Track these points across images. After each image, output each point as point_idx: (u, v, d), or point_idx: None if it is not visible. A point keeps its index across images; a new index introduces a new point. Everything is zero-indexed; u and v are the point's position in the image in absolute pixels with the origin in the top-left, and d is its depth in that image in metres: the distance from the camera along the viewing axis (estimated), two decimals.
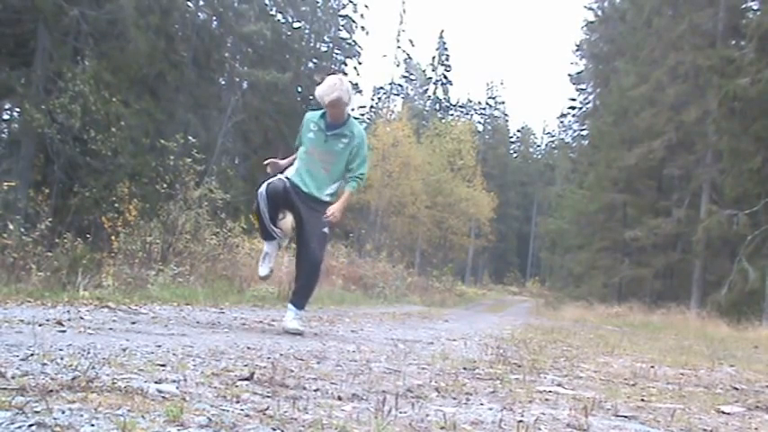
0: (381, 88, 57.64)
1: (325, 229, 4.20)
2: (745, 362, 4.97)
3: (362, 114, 57.90)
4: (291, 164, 4.37)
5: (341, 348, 3.43)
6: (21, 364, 1.92)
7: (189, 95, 23.57)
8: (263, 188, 4.20)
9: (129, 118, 15.90)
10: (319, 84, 4.19)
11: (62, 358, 2.08)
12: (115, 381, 1.72)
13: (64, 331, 2.99)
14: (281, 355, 2.87)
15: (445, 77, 58.12)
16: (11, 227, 7.24)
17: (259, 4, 31.83)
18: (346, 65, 45.51)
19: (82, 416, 1.32)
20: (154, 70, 19.21)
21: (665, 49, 22.47)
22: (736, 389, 2.99)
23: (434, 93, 58.90)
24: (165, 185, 9.47)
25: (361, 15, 44.69)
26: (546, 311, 22.18)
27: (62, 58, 15.89)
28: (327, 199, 4.24)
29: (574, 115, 54.60)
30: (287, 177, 4.24)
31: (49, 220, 7.93)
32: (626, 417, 1.97)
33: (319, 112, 4.25)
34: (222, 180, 13.43)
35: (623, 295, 23.82)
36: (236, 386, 1.89)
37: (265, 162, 4.38)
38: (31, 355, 2.09)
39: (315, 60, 42.15)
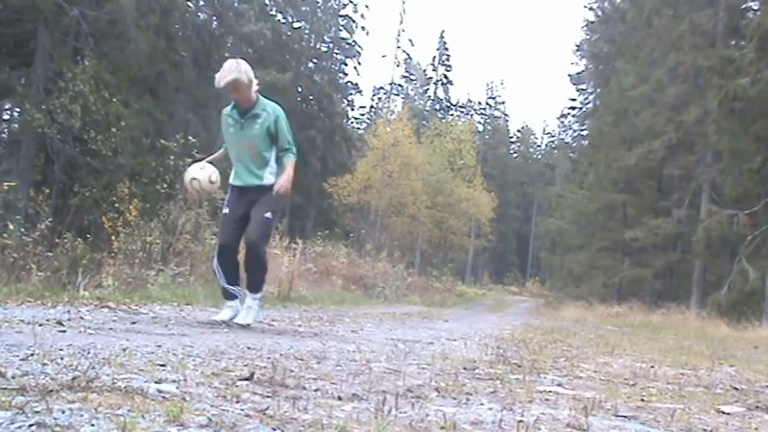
0: (381, 88, 57.70)
1: (268, 214, 4.19)
2: (745, 362, 4.97)
3: (362, 114, 57.99)
4: (217, 158, 4.48)
5: (341, 348, 3.43)
6: (21, 364, 1.92)
7: (189, 95, 23.55)
8: (214, 261, 4.37)
9: (129, 118, 15.88)
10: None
11: (62, 358, 2.08)
12: (115, 381, 1.72)
13: (64, 331, 2.99)
14: (281, 355, 2.87)
15: (446, 77, 58.12)
16: (11, 227, 7.23)
17: (259, 4, 31.83)
18: (346, 65, 45.54)
19: (82, 416, 1.32)
20: (154, 70, 19.19)
21: (665, 49, 22.47)
22: (736, 389, 2.99)
23: (435, 93, 58.90)
24: (165, 185, 9.47)
25: (362, 15, 44.59)
26: (546, 311, 22.17)
27: (62, 58, 15.87)
28: (269, 182, 4.24)
29: (574, 115, 54.64)
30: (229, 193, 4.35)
31: (49, 220, 7.92)
32: (626, 417, 1.97)
33: (230, 106, 4.29)
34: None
35: (623, 295, 23.81)
36: (236, 386, 1.89)
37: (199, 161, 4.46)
38: (32, 355, 2.09)
39: (315, 60, 42.14)
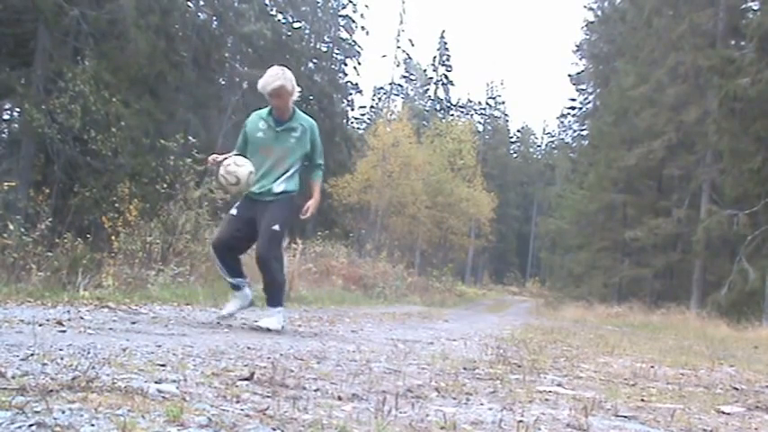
0: (381, 88, 57.74)
1: (275, 227, 4.15)
2: (745, 362, 4.97)
3: (362, 114, 58.00)
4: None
5: (341, 348, 3.43)
6: (21, 364, 1.92)
7: (189, 95, 23.56)
8: (210, 248, 4.36)
9: (129, 118, 15.88)
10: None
11: (62, 358, 2.08)
12: (115, 381, 1.72)
13: (64, 331, 2.99)
14: (281, 355, 2.87)
15: (446, 77, 58.11)
16: (11, 227, 7.23)
17: (259, 4, 31.82)
18: (346, 65, 45.55)
19: (82, 416, 1.32)
20: (154, 70, 19.19)
21: (665, 49, 22.47)
22: (736, 389, 2.99)
23: (435, 93, 58.90)
24: (165, 185, 9.46)
25: (361, 15, 44.78)
26: (546, 311, 22.17)
27: (62, 58, 15.88)
28: (281, 189, 4.21)
29: (574, 115, 54.67)
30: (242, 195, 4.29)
31: (49, 220, 7.91)
32: (626, 417, 1.97)
33: (265, 110, 4.25)
34: None
35: (623, 295, 23.83)
36: (236, 386, 1.89)
37: (209, 158, 4.39)
38: (32, 355, 2.09)
39: (315, 60, 42.13)
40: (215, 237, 4.36)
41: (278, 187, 4.21)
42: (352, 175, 34.17)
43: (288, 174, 4.24)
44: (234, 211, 4.31)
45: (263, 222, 4.14)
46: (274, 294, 4.32)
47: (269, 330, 4.11)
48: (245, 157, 4.21)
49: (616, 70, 29.99)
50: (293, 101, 4.22)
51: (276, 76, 4.06)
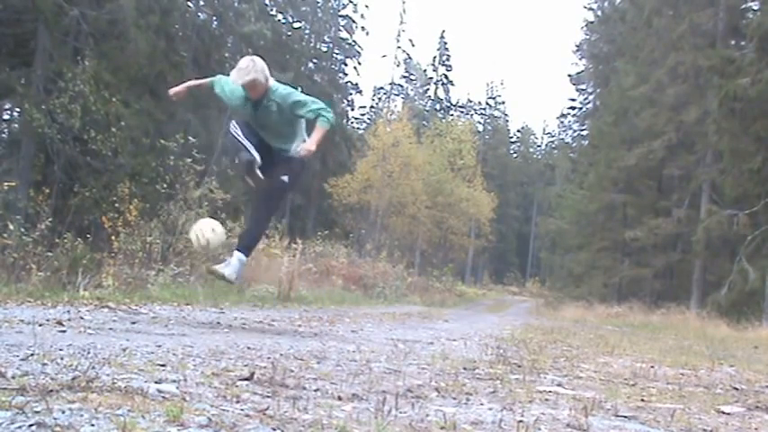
0: (381, 88, 57.72)
1: (284, 177, 4.13)
2: (745, 362, 4.97)
3: (362, 114, 57.99)
4: (196, 86, 4.49)
5: (341, 348, 3.43)
6: (21, 364, 1.92)
7: (189, 95, 23.53)
8: (234, 122, 4.19)
9: (129, 118, 15.88)
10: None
11: (62, 358, 2.08)
12: (115, 381, 1.72)
13: (64, 331, 2.99)
14: (281, 355, 2.86)
15: (446, 77, 58.12)
16: (11, 227, 7.23)
17: (259, 4, 31.81)
18: (346, 65, 45.55)
19: (82, 416, 1.32)
20: (154, 70, 19.19)
21: (665, 49, 22.47)
22: (736, 389, 2.99)
23: (435, 93, 58.90)
24: (165, 185, 9.47)
25: (362, 15, 44.66)
26: (546, 311, 22.17)
27: (62, 58, 15.87)
28: (294, 151, 4.18)
29: (574, 115, 54.66)
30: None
31: (49, 220, 7.91)
32: (626, 417, 1.97)
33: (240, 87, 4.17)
34: (222, 180, 13.42)
35: (623, 295, 23.82)
36: (236, 386, 1.89)
37: (172, 91, 4.32)
38: (31, 355, 2.09)
39: (315, 60, 42.15)
40: (236, 119, 4.23)
41: (293, 146, 4.21)
42: (352, 175, 34.17)
43: (299, 137, 4.23)
44: (245, 140, 4.13)
45: (277, 168, 4.12)
46: (248, 242, 4.28)
47: (225, 279, 4.14)
48: (219, 91, 4.25)
49: (616, 70, 29.98)
50: (269, 85, 4.16)
51: (248, 70, 4.03)
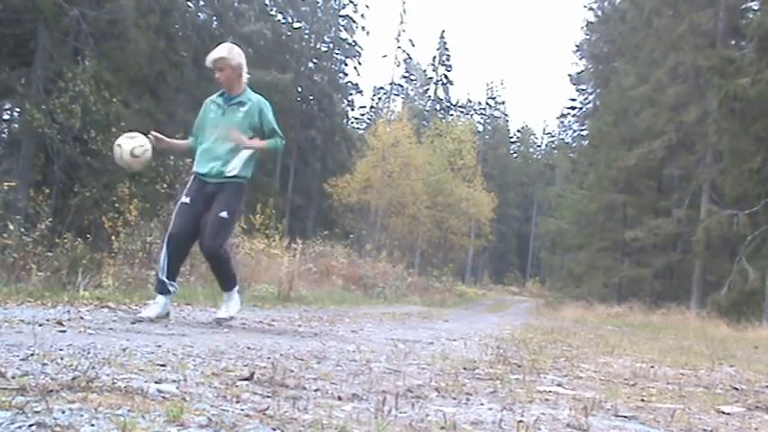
0: (381, 88, 57.73)
1: (223, 214, 4.06)
2: (745, 362, 4.97)
3: (362, 114, 58.01)
4: (177, 145, 4.53)
5: (341, 348, 3.43)
6: (21, 364, 1.92)
7: (189, 95, 23.56)
8: (164, 242, 4.23)
9: (129, 118, 15.87)
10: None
11: (62, 358, 2.08)
12: (115, 381, 1.72)
13: (64, 331, 2.99)
14: (281, 355, 2.86)
15: (446, 77, 58.12)
16: (11, 227, 7.23)
17: (259, 4, 31.84)
18: (346, 65, 45.59)
19: (82, 416, 1.32)
20: (154, 70, 19.22)
21: (665, 49, 22.46)
22: (736, 389, 2.99)
23: (435, 93, 58.90)
24: (165, 185, 9.47)
25: (362, 15, 44.68)
26: (546, 311, 22.17)
27: (62, 58, 15.88)
28: (233, 173, 4.15)
29: (574, 115, 54.65)
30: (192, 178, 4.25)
31: (49, 220, 7.92)
32: (626, 417, 1.97)
33: (217, 93, 4.30)
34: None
35: (623, 295, 23.82)
36: (236, 386, 1.89)
37: (151, 134, 4.28)
38: (32, 355, 2.09)
39: (315, 60, 42.16)
40: (169, 233, 4.18)
41: (230, 171, 4.14)
42: (351, 175, 34.19)
43: (241, 157, 4.17)
44: (186, 200, 4.16)
45: (212, 208, 4.08)
46: (226, 278, 4.28)
47: (231, 319, 4.20)
48: (197, 138, 4.30)
49: (616, 70, 30.01)
50: (243, 81, 4.23)
51: (221, 49, 4.14)
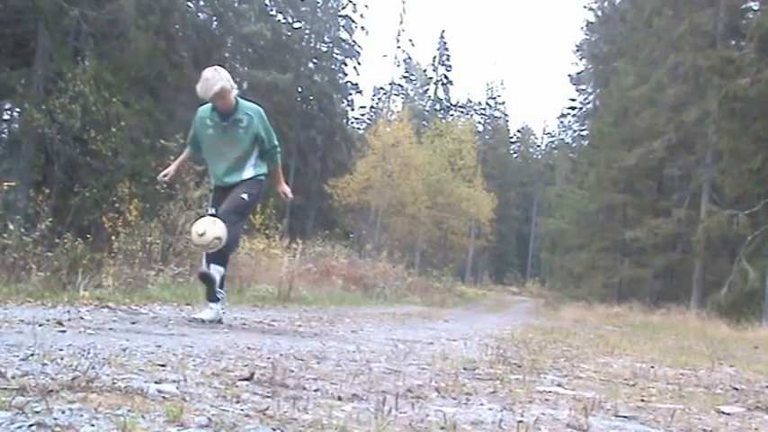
0: (381, 88, 57.74)
1: (244, 195, 4.24)
2: (745, 362, 4.97)
3: (362, 114, 58.00)
4: (181, 164, 4.69)
5: (341, 348, 3.43)
6: (21, 364, 1.92)
7: (189, 95, 23.49)
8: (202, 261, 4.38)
9: (129, 118, 15.89)
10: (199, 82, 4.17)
11: (62, 358, 2.08)
12: (115, 381, 1.72)
13: (64, 331, 2.99)
14: (281, 355, 2.86)
15: (446, 77, 58.12)
16: (11, 227, 7.22)
17: (259, 4, 31.84)
18: (346, 65, 45.57)
19: (82, 416, 1.32)
20: (154, 70, 19.20)
21: (665, 49, 22.46)
22: (736, 389, 2.99)
23: (435, 93, 58.90)
24: (165, 185, 9.45)
25: (361, 15, 44.74)
26: (546, 311, 22.17)
27: (62, 58, 15.89)
28: (251, 174, 4.33)
29: (574, 115, 54.63)
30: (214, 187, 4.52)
31: (49, 220, 7.91)
32: (626, 417, 1.97)
33: (209, 107, 4.27)
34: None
35: (623, 295, 23.82)
36: (236, 386, 1.89)
37: (160, 178, 4.59)
38: (31, 355, 2.09)
39: (315, 60, 42.15)
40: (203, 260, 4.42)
41: (247, 173, 4.32)
42: (352, 176, 34.17)
43: (252, 161, 4.34)
44: (211, 210, 4.35)
45: (233, 193, 4.26)
46: (223, 252, 4.29)
47: (202, 322, 4.17)
48: (199, 150, 4.46)
49: (616, 70, 29.98)
50: (235, 94, 4.25)
51: (215, 80, 4.08)
